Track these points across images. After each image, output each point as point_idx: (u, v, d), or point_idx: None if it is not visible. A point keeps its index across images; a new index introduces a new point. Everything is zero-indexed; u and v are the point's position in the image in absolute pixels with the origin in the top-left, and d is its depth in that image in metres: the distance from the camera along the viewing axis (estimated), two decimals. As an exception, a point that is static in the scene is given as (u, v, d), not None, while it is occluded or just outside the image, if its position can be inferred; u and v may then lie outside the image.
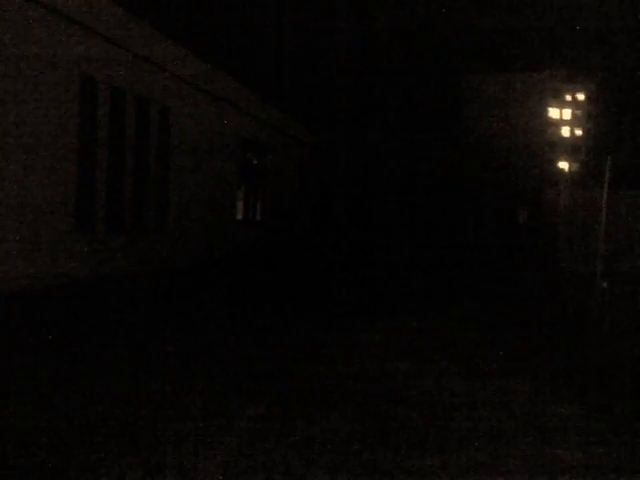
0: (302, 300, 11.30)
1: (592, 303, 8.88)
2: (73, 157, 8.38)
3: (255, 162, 16.66)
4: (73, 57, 8.32)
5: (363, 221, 29.55)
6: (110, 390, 5.11)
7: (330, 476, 3.44)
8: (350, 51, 31.26)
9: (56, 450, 3.68)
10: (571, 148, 73.60)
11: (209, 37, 19.35)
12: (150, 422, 4.29)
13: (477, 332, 8.43)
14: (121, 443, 3.85)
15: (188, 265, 12.07)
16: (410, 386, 5.61)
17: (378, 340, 7.79)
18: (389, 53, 34.69)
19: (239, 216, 15.57)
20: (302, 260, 17.90)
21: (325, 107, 28.88)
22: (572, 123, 75.41)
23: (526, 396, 5.38)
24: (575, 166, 71.27)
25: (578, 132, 74.78)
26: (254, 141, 16.35)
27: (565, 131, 74.61)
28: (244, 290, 11.72)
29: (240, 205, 15.62)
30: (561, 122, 74.38)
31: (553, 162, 70.15)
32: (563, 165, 72.71)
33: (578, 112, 74.41)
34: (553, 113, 71.46)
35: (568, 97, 73.45)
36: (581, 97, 73.87)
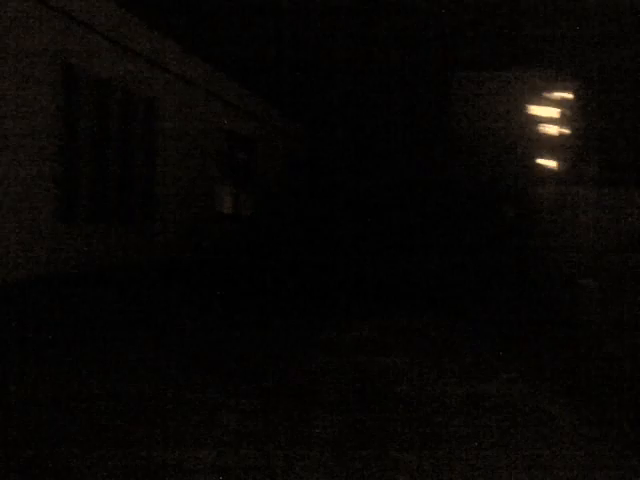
0: (281, 298, 11.21)
1: (580, 301, 8.87)
2: (53, 147, 8.20)
3: (242, 156, 16.50)
4: (55, 45, 8.14)
5: (347, 217, 29.47)
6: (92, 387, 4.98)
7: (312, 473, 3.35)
8: (338, 48, 31.14)
9: None
10: (558, 146, 74.17)
11: (195, 29, 19.14)
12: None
13: (457, 331, 8.38)
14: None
15: (171, 258, 11.91)
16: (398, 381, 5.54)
17: (367, 337, 7.72)
18: (377, 49, 34.59)
19: (225, 210, 15.42)
20: (287, 255, 17.80)
21: (311, 102, 28.76)
22: (559, 122, 75.97)
23: (514, 395, 5.32)
24: (562, 164, 71.80)
25: (565, 130, 75.37)
26: (241, 135, 16.19)
27: (552, 129, 75.18)
28: (229, 285, 11.61)
29: (226, 199, 15.46)
30: (549, 120, 74.92)
31: (540, 160, 70.63)
32: (550, 163, 73.27)
33: (566, 111, 74.96)
34: (540, 111, 71.94)
35: (556, 95, 73.99)
36: (569, 96, 74.44)
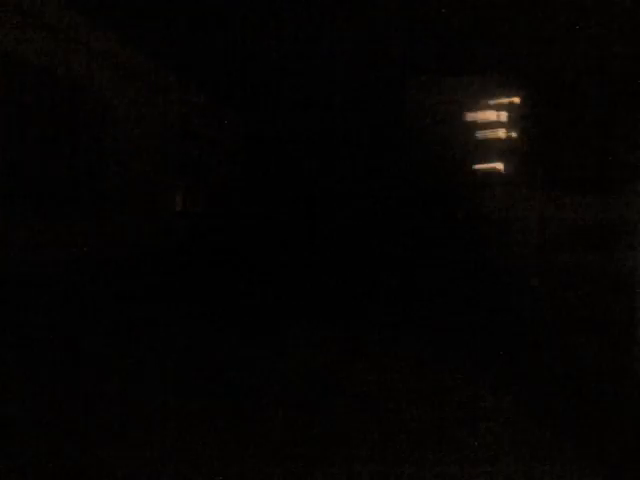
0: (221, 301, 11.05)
1: (525, 301, 9.02)
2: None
3: (194, 152, 16.25)
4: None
5: (298, 215, 29.32)
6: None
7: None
8: (293, 46, 31.00)
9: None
10: (507, 150, 76.02)
11: (147, 24, 18.74)
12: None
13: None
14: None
15: (121, 256, 11.64)
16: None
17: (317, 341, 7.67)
18: (332, 51, 34.61)
19: (177, 207, 15.15)
20: (239, 253, 17.60)
21: (263, 97, 28.57)
22: (507, 125, 77.90)
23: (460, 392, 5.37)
24: (510, 167, 73.63)
25: (513, 134, 77.32)
26: (194, 130, 15.93)
27: (501, 133, 77.02)
28: (183, 284, 11.38)
29: (178, 196, 15.20)
30: (496, 124, 76.75)
31: (488, 163, 72.21)
32: (498, 166, 75.03)
33: (513, 115, 76.92)
34: (488, 115, 73.62)
35: (504, 100, 75.82)
36: (517, 100, 76.41)
